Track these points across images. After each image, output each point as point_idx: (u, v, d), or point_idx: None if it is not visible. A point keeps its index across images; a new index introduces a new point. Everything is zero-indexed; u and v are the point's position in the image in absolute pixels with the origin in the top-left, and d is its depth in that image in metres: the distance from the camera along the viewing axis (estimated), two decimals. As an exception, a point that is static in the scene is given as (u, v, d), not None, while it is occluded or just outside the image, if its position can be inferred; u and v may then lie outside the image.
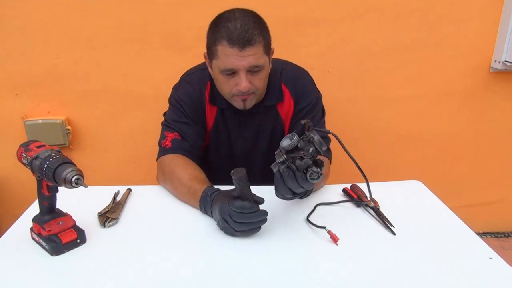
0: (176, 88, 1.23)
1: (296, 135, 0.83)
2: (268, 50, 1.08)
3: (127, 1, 1.55)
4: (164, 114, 1.23)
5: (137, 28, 1.59)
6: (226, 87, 1.09)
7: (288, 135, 0.83)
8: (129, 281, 0.77)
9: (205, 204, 0.96)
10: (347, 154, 0.90)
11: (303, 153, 0.82)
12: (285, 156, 0.83)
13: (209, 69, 1.15)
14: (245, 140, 1.25)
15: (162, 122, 1.21)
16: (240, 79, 1.05)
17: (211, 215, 0.96)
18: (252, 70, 1.05)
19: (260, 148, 1.26)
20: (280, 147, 0.84)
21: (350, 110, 1.77)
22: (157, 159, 1.16)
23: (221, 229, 0.91)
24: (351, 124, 1.80)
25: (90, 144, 1.77)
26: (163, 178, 1.12)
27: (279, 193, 0.89)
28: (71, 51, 1.61)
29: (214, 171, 1.26)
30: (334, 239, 0.88)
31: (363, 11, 1.63)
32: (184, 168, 1.08)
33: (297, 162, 0.82)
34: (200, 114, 1.19)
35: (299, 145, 0.83)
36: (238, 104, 1.12)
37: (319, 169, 0.82)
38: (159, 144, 1.17)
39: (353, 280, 0.78)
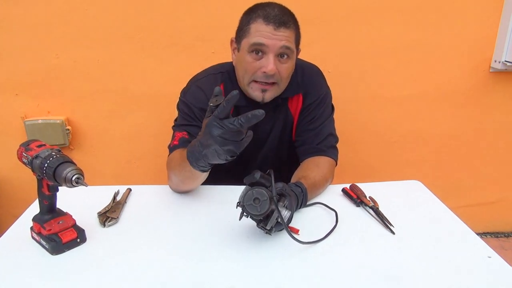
0: (184, 92, 1.19)
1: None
2: (297, 43, 1.08)
3: (127, 1, 1.55)
4: (175, 120, 1.21)
5: (137, 28, 1.59)
6: (251, 68, 1.06)
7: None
8: (129, 280, 0.77)
9: (192, 148, 0.85)
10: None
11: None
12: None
13: (233, 56, 1.13)
14: (260, 134, 1.22)
15: (172, 127, 1.19)
16: (268, 61, 1.03)
17: (203, 155, 0.83)
18: (281, 55, 1.04)
19: (271, 143, 1.25)
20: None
21: (350, 110, 1.77)
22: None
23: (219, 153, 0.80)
24: (351, 124, 1.80)
25: (90, 144, 1.77)
26: (169, 176, 1.07)
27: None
28: (71, 51, 1.61)
29: (223, 169, 1.24)
30: (295, 231, 0.91)
31: (363, 11, 1.63)
32: (180, 151, 1.01)
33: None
34: None
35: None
36: (256, 94, 1.09)
37: (267, 228, 0.84)
38: (168, 146, 1.13)
39: (352, 279, 0.78)
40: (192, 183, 1.05)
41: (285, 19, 1.02)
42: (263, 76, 1.05)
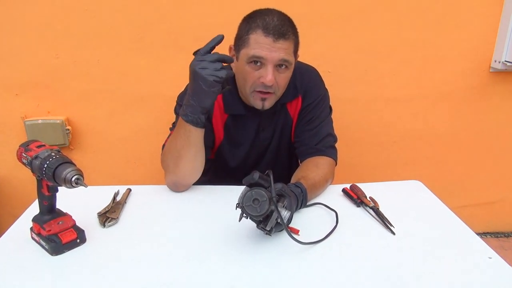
0: (181, 97, 1.20)
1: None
2: (295, 52, 1.09)
3: (127, 1, 1.55)
4: (173, 123, 1.21)
5: (137, 28, 1.59)
6: (250, 78, 1.07)
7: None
8: (129, 281, 0.78)
9: (184, 103, 1.02)
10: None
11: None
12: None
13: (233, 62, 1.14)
14: (262, 140, 1.24)
15: (169, 129, 1.20)
16: (267, 72, 1.03)
17: (194, 100, 0.99)
18: (279, 65, 1.05)
19: (272, 146, 1.26)
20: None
21: (350, 110, 1.77)
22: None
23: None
24: (351, 124, 1.80)
25: (90, 144, 1.77)
26: (164, 165, 1.08)
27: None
28: (71, 51, 1.61)
29: (226, 172, 1.25)
30: (295, 231, 0.91)
31: (363, 11, 1.63)
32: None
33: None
34: (206, 123, 1.13)
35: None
36: (257, 102, 1.10)
37: (266, 228, 0.84)
38: (163, 145, 1.14)
39: (353, 280, 0.78)
40: (187, 155, 1.04)
41: (284, 30, 1.01)
42: (261, 86, 1.06)
